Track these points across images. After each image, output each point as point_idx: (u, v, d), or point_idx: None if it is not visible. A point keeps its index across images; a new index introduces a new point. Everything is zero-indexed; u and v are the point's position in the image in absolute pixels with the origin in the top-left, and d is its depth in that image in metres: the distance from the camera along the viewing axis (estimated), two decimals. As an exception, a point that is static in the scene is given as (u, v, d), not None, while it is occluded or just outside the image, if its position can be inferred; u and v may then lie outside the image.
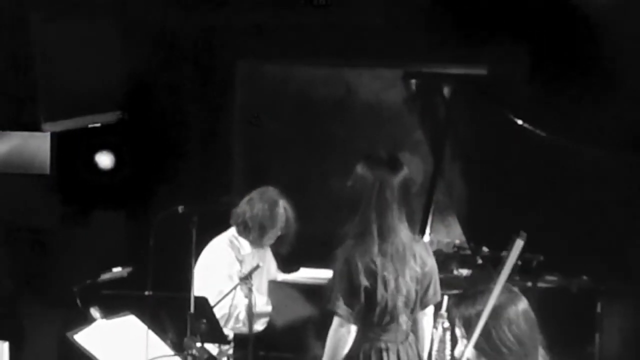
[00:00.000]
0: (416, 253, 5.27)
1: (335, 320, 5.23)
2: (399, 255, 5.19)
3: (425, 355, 5.45)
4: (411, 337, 5.35)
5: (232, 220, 6.37)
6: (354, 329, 5.21)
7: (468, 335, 3.93)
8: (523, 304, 3.93)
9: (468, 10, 6.91)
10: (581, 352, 6.20)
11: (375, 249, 5.18)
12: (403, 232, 5.23)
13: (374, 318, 5.21)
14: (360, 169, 5.27)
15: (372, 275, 5.18)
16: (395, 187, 5.20)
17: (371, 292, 5.18)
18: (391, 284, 5.18)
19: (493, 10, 6.86)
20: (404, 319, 5.25)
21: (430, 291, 5.32)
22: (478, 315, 3.89)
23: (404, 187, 5.25)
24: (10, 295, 8.29)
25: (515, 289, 3.98)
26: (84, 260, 7.58)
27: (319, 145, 8.30)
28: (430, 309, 5.40)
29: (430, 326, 5.45)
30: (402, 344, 5.28)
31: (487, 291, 3.92)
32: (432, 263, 5.35)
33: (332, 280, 5.30)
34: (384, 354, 5.24)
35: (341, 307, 5.19)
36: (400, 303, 5.21)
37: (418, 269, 5.25)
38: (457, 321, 4.02)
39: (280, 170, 8.27)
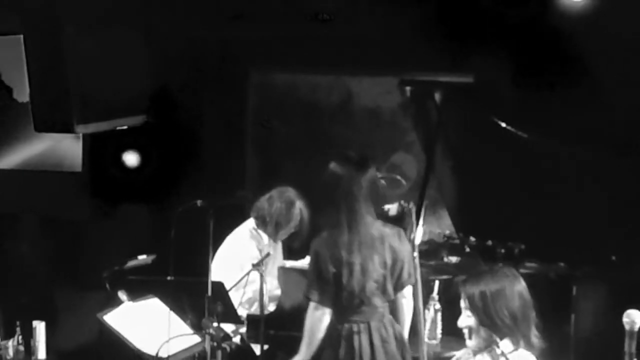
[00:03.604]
0: (386, 241, 5.27)
1: (311, 305, 5.29)
2: (367, 243, 5.21)
3: (406, 334, 5.43)
4: (388, 318, 5.34)
5: (253, 213, 6.39)
6: (328, 311, 5.25)
7: (472, 310, 4.06)
8: (520, 286, 4.16)
9: (457, 24, 6.92)
10: (558, 331, 6.20)
11: (345, 238, 5.21)
12: (370, 222, 5.24)
13: (344, 301, 5.23)
14: (332, 166, 5.30)
15: (339, 263, 5.20)
16: (362, 183, 5.22)
17: (339, 278, 5.20)
18: (358, 271, 5.19)
19: (479, 25, 6.86)
20: (377, 302, 5.26)
21: (405, 274, 5.31)
22: (481, 293, 4.12)
23: (371, 183, 5.26)
24: (47, 280, 8.32)
25: (516, 273, 4.21)
26: (112, 248, 7.61)
27: (323, 145, 8.30)
28: (408, 291, 5.37)
29: (410, 308, 5.41)
30: (376, 325, 5.27)
31: (489, 272, 4.23)
32: (403, 249, 5.32)
33: (308, 269, 5.35)
34: (356, 334, 5.24)
35: (314, 292, 5.25)
36: (371, 287, 5.21)
37: (388, 255, 5.26)
38: (462, 297, 4.16)
39: (289, 168, 8.28)
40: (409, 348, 5.39)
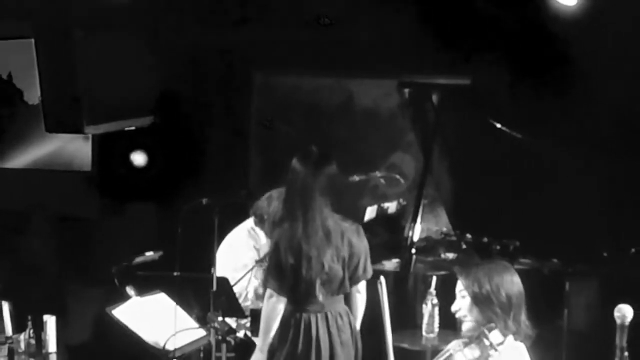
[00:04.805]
0: (344, 236, 5.28)
1: (267, 293, 5.31)
2: (321, 237, 5.22)
3: (358, 326, 5.44)
4: (343, 308, 5.37)
5: (252, 211, 6.39)
6: (282, 300, 5.27)
7: (467, 289, 4.21)
8: (516, 277, 4.27)
9: (454, 28, 6.93)
10: (552, 324, 6.22)
11: (300, 231, 5.22)
12: (326, 217, 5.25)
13: (301, 291, 5.25)
14: (294, 161, 5.33)
15: (297, 255, 5.22)
16: (319, 179, 5.23)
17: (296, 270, 5.22)
18: (314, 263, 5.21)
19: (476, 28, 6.87)
20: (329, 293, 5.27)
21: (360, 270, 5.32)
22: (478, 277, 4.21)
23: (328, 179, 5.27)
24: (57, 276, 8.34)
25: (512, 267, 4.32)
26: (120, 245, 7.62)
27: (324, 145, 8.29)
28: (362, 286, 5.39)
29: (363, 302, 5.42)
30: (332, 314, 5.29)
31: (487, 262, 4.42)
32: (361, 244, 5.33)
33: (268, 259, 5.40)
34: (313, 324, 5.27)
35: (271, 281, 5.28)
36: (318, 280, 5.23)
37: (346, 249, 5.28)
38: (460, 281, 4.26)
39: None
40: (360, 339, 5.41)
